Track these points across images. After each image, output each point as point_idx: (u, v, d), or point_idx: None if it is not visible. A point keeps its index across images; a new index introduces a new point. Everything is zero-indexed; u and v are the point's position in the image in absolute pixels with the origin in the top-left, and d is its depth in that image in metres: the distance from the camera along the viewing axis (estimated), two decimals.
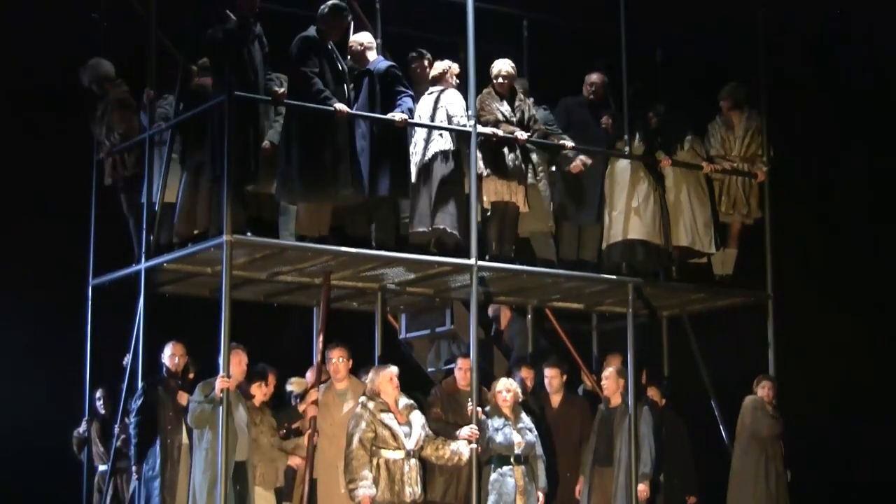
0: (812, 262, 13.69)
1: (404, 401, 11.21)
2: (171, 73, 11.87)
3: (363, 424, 10.93)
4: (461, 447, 11.25)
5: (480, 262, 11.69)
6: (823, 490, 13.51)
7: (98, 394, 12.54)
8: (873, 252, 13.74)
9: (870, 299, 13.75)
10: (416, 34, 12.98)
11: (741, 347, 13.53)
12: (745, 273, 13.30)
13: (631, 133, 12.66)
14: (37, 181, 13.82)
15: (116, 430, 12.01)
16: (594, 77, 12.97)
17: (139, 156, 12.06)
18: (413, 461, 11.03)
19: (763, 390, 12.78)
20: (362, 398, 11.11)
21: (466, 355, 11.84)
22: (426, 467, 11.36)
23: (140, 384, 11.40)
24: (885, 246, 13.68)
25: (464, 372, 11.73)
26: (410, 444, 11.01)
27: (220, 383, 10.56)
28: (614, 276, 12.59)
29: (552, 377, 12.57)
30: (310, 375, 11.57)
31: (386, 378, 11.17)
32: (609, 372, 12.40)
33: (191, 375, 11.56)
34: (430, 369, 13.69)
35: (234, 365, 10.73)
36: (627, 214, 12.57)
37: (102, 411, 12.53)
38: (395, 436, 10.96)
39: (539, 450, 11.71)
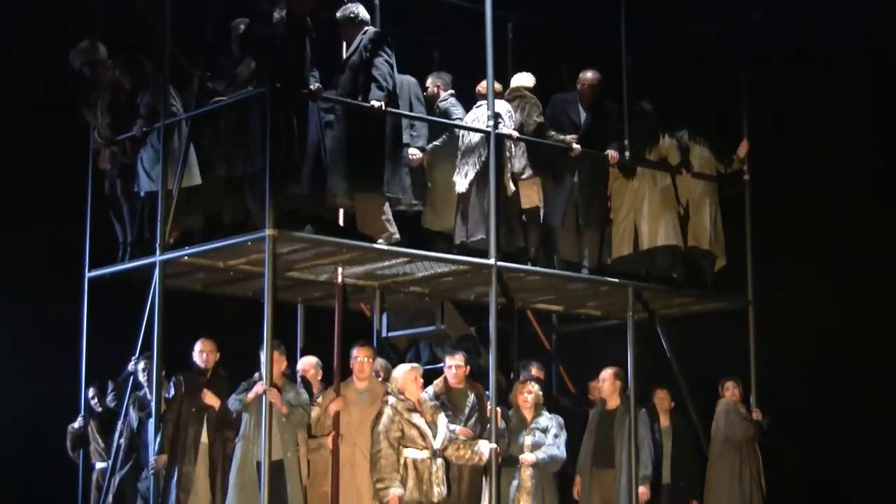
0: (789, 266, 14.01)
1: (430, 401, 11.17)
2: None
3: (392, 424, 10.86)
4: (482, 447, 11.24)
5: (500, 263, 11.73)
6: (801, 490, 13.82)
7: (91, 393, 12.23)
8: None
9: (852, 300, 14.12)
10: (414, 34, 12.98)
11: (719, 350, 13.77)
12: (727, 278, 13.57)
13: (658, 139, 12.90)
14: (32, 175, 13.44)
15: (119, 425, 11.75)
16: (590, 75, 12.91)
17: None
18: (440, 461, 10.99)
19: (728, 392, 13.04)
20: (389, 397, 11.02)
21: (453, 354, 11.78)
22: None
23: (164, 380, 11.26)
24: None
25: (454, 370, 11.61)
26: (437, 444, 10.98)
27: (258, 388, 10.49)
28: (616, 280, 12.73)
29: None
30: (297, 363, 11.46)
31: (410, 378, 11.11)
32: (607, 374, 12.51)
33: None
34: None
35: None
36: (676, 222, 12.79)
37: (99, 409, 12.22)
38: (423, 435, 10.91)
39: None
